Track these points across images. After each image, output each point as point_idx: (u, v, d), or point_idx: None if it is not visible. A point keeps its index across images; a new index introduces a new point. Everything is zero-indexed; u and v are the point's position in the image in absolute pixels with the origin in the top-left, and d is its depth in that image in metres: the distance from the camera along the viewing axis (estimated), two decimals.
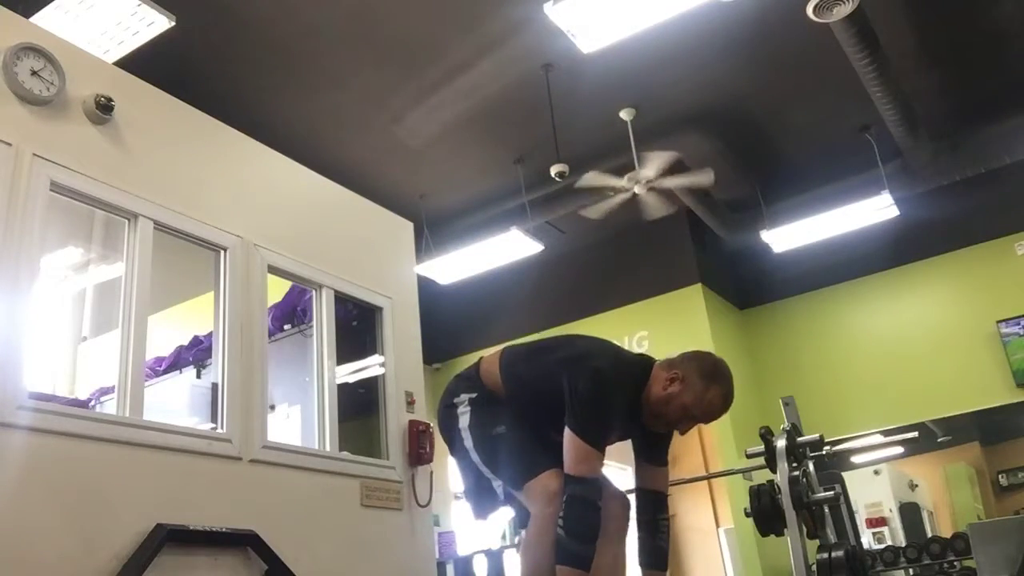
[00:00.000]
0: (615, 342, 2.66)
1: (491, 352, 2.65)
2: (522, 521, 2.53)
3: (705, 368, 2.39)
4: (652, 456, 2.53)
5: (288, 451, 3.41)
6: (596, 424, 2.29)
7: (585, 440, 2.26)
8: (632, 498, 2.57)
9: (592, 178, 5.49)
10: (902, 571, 6.90)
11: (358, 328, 4.13)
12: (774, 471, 3.49)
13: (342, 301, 3.95)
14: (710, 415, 2.39)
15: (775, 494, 3.46)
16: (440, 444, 4.17)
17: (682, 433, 2.43)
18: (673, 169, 5.49)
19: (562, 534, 2.19)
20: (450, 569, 6.27)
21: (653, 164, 5.47)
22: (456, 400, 2.56)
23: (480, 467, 2.47)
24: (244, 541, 2.98)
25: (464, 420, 2.51)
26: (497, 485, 2.45)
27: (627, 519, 2.49)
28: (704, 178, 5.47)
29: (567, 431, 2.29)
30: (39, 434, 2.55)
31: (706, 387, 2.36)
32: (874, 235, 6.77)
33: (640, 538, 2.50)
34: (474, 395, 2.54)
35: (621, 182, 5.49)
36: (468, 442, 2.48)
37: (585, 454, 2.25)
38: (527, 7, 4.73)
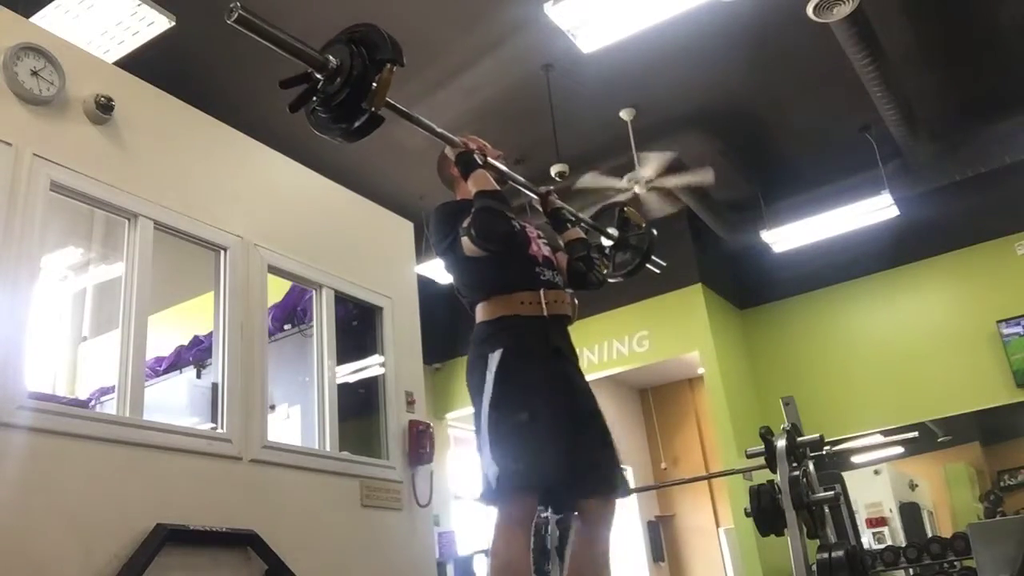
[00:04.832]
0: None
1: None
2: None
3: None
4: (559, 227, 2.85)
5: (288, 451, 3.41)
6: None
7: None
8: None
9: (591, 179, 5.49)
10: (902, 571, 6.89)
11: (358, 328, 4.13)
12: (774, 471, 3.50)
13: (342, 301, 3.95)
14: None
15: (775, 494, 3.47)
16: (440, 444, 4.19)
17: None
18: (672, 168, 5.49)
19: (473, 235, 2.31)
20: (450, 569, 6.26)
21: (652, 164, 5.47)
22: (487, 351, 2.28)
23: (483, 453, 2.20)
24: (244, 541, 2.98)
25: (488, 393, 2.21)
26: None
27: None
28: (704, 176, 5.48)
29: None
30: (39, 434, 2.55)
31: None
32: (874, 235, 6.77)
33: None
34: (500, 348, 2.26)
35: (620, 183, 5.49)
36: (484, 432, 2.19)
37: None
38: (527, 7, 4.73)
